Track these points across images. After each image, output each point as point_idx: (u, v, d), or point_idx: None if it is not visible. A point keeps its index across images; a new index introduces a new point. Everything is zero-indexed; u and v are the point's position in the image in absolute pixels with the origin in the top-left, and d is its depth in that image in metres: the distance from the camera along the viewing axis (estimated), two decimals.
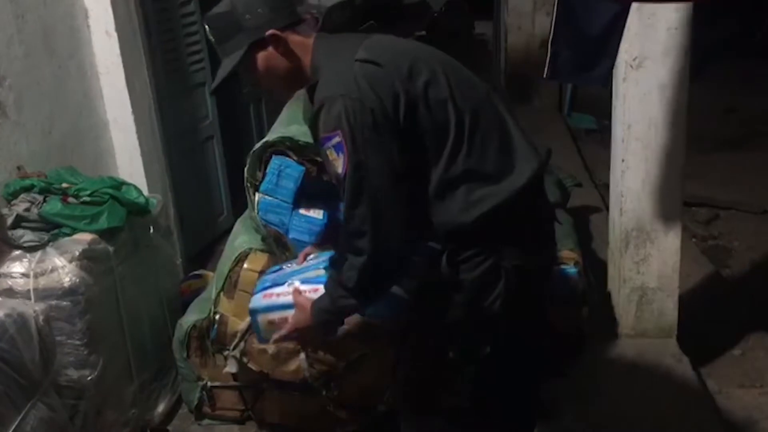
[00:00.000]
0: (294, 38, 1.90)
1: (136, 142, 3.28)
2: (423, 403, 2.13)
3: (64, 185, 2.56)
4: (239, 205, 4.66)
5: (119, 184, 2.68)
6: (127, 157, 3.30)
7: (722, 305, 3.70)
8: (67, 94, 2.97)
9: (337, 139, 1.76)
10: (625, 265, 3.11)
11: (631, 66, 2.84)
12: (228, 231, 4.44)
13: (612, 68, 2.62)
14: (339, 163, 1.78)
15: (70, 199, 2.52)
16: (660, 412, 2.77)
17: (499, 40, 7.11)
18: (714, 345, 3.36)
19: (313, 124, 1.86)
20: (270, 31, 1.86)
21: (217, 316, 2.53)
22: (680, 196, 3.02)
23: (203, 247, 4.18)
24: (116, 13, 3.11)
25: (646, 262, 3.09)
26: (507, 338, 2.03)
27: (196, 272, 3.46)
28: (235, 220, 4.49)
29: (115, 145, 3.28)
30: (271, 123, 5.16)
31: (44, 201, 2.48)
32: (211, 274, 3.43)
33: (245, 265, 2.50)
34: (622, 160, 2.98)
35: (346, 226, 1.86)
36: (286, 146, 2.52)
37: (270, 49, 1.88)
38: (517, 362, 2.09)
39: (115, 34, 3.12)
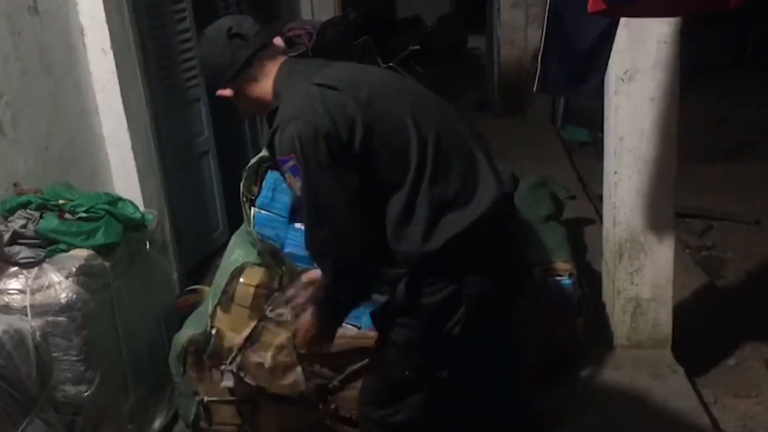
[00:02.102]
0: (258, 67, 1.93)
1: (132, 158, 3.30)
2: (378, 416, 2.11)
3: (61, 201, 2.57)
4: (234, 219, 4.67)
5: (115, 200, 2.70)
6: (123, 172, 3.31)
7: (716, 315, 3.72)
8: (63, 111, 2.99)
9: (291, 163, 1.79)
10: (620, 276, 3.13)
11: (622, 79, 2.87)
12: (224, 246, 4.48)
13: (603, 81, 2.65)
14: (296, 186, 1.83)
15: (67, 216, 2.53)
16: (655, 423, 2.79)
17: (492, 54, 7.16)
18: (709, 355, 3.38)
19: (269, 145, 1.90)
20: (232, 73, 1.93)
21: (213, 331, 2.54)
22: (672, 207, 3.05)
23: (199, 262, 4.19)
24: (111, 30, 3.13)
25: (640, 273, 3.11)
26: (466, 362, 2.06)
27: (192, 287, 3.47)
28: (231, 235, 4.57)
29: (111, 161, 3.29)
30: (265, 137, 5.20)
31: (41, 217, 2.49)
32: (207, 288, 3.43)
33: (241, 280, 2.51)
34: (615, 172, 3.01)
35: (308, 247, 1.93)
36: None
37: (237, 83, 1.96)
38: (477, 386, 2.14)
39: (110, 51, 3.14)
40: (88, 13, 3.09)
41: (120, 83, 3.19)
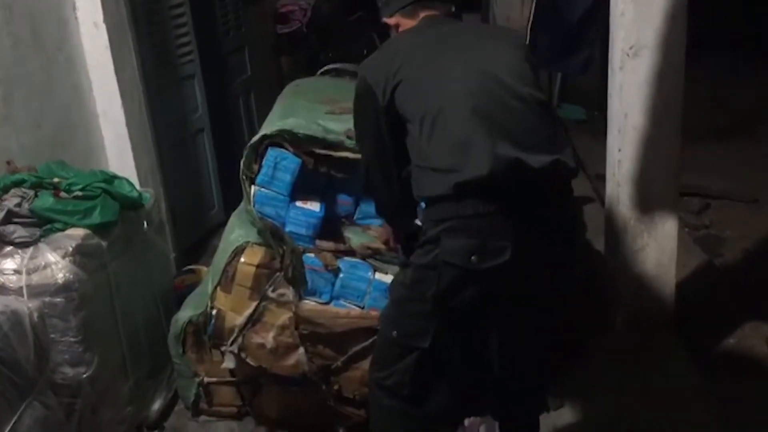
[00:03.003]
0: (402, 21, 2.26)
1: (127, 136, 3.23)
2: (375, 378, 2.15)
3: (56, 180, 2.52)
4: (230, 198, 4.61)
5: (111, 178, 2.64)
6: (118, 150, 3.25)
7: (716, 294, 3.69)
8: (56, 87, 2.92)
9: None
10: (625, 255, 3.09)
11: (628, 55, 2.82)
12: (220, 225, 4.45)
13: (591, 58, 2.60)
14: None
15: (62, 194, 2.47)
16: (660, 401, 2.77)
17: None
18: (709, 334, 3.36)
19: None
20: (383, 19, 2.32)
21: (213, 312, 2.50)
22: (677, 185, 3.01)
23: (195, 242, 4.13)
24: (104, 3, 3.06)
25: (643, 252, 3.07)
26: (448, 338, 2.04)
27: (190, 267, 3.41)
28: (227, 214, 4.51)
29: (105, 139, 3.23)
30: (260, 114, 5.13)
31: (35, 196, 2.43)
32: (204, 269, 3.38)
33: (242, 259, 2.46)
34: (619, 150, 2.96)
35: None
36: (284, 139, 2.48)
37: (389, 29, 2.33)
38: (461, 364, 2.10)
39: (103, 26, 3.07)
40: None
41: (113, 59, 3.13)
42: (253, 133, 5.03)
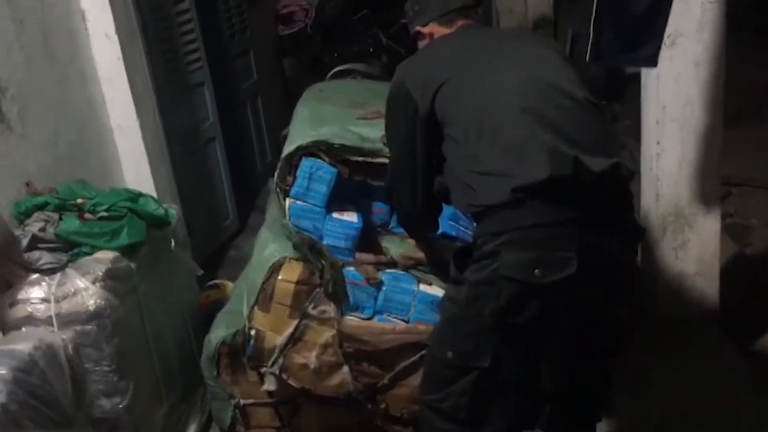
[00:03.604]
0: (437, 30, 2.19)
1: (143, 149, 3.11)
2: (428, 400, 2.03)
3: (79, 200, 2.39)
4: (244, 208, 4.52)
5: (136, 197, 2.52)
6: (134, 164, 3.13)
7: (753, 285, 3.60)
8: (70, 102, 2.79)
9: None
10: (664, 252, 2.99)
11: (665, 44, 2.70)
12: (234, 235, 4.34)
13: (660, 47, 2.48)
14: None
15: (87, 216, 2.35)
16: (712, 402, 2.67)
17: (490, 23, 6.95)
18: (752, 327, 3.26)
19: None
20: (416, 27, 2.24)
21: (252, 332, 2.37)
22: (718, 177, 2.92)
23: (211, 254, 4.01)
24: (115, 13, 2.93)
25: (685, 248, 2.98)
26: (509, 358, 1.91)
27: (214, 282, 3.30)
28: (241, 224, 4.41)
29: (121, 153, 3.10)
30: (268, 120, 5.01)
31: (60, 219, 2.31)
32: (229, 283, 3.27)
33: (280, 276, 2.34)
34: (657, 143, 2.86)
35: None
36: (319, 149, 2.36)
37: (421, 38, 2.25)
38: (521, 381, 1.98)
39: (115, 36, 2.94)
40: None
41: (126, 70, 3.00)
42: (263, 139, 4.96)
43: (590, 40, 2.31)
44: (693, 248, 2.97)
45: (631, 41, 2.34)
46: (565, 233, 1.76)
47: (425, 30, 2.23)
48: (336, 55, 5.22)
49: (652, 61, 2.39)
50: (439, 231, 2.48)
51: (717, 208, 2.92)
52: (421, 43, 2.26)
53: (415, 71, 2.09)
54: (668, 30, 2.68)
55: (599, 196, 1.80)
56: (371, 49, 5.24)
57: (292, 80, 5.64)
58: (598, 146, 1.85)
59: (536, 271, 1.74)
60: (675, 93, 2.78)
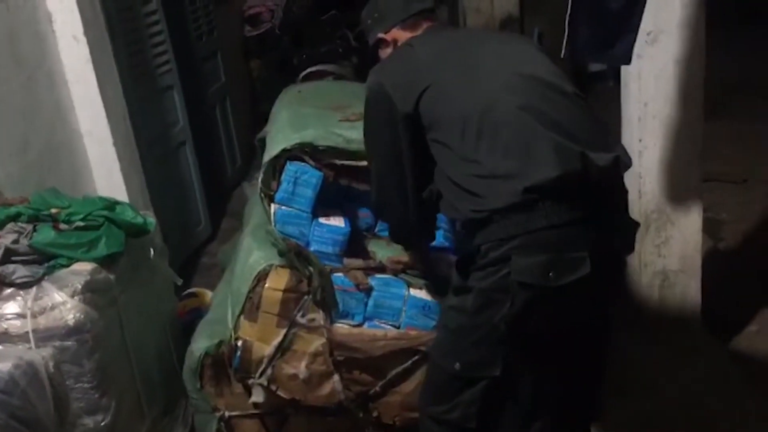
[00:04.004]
0: (401, 35, 2.12)
1: (114, 155, 3.01)
2: (434, 412, 1.97)
3: (53, 210, 2.28)
4: (215, 213, 4.42)
5: (112, 205, 2.41)
6: (105, 171, 3.03)
7: (728, 281, 3.63)
8: (38, 107, 2.69)
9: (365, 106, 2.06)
10: (646, 249, 2.99)
11: (646, 41, 2.71)
12: (206, 242, 4.25)
13: (634, 45, 2.47)
14: None
15: (62, 226, 2.25)
16: (697, 400, 2.68)
17: (456, 23, 6.94)
18: (730, 323, 3.28)
19: None
20: (378, 35, 2.15)
21: (239, 343, 2.30)
22: (700, 174, 2.92)
23: (184, 261, 3.91)
24: (83, 15, 2.83)
25: (667, 245, 2.98)
26: (520, 366, 1.88)
27: (190, 290, 3.21)
28: (213, 229, 4.32)
29: (92, 159, 3.00)
30: (237, 123, 4.93)
31: (34, 230, 2.20)
32: (206, 291, 3.19)
33: (267, 284, 2.27)
34: (640, 140, 2.85)
35: None
36: (304, 152, 2.30)
37: (383, 46, 2.16)
38: (531, 388, 1.94)
39: (83, 39, 2.84)
40: None
41: (96, 73, 2.90)
42: (232, 142, 4.87)
43: (565, 37, 2.28)
44: (675, 245, 2.97)
45: (607, 39, 2.32)
46: (577, 233, 1.72)
47: (388, 36, 2.15)
48: (304, 56, 5.15)
49: (626, 59, 2.38)
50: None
51: (699, 205, 2.93)
52: (384, 51, 2.17)
53: (393, 75, 1.99)
54: (649, 28, 2.69)
55: (602, 192, 1.77)
56: (340, 50, 5.18)
57: (259, 82, 5.56)
58: (597, 141, 1.82)
59: (551, 274, 1.69)
60: (656, 90, 2.77)
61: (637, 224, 1.94)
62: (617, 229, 1.82)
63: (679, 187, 2.89)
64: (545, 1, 6.42)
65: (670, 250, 2.98)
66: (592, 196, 1.74)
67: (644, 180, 2.90)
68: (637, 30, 2.35)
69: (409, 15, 2.12)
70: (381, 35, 2.16)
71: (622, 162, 1.82)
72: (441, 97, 1.89)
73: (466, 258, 1.83)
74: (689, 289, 3.04)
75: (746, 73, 6.36)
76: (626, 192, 1.93)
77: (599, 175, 1.74)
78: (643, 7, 2.40)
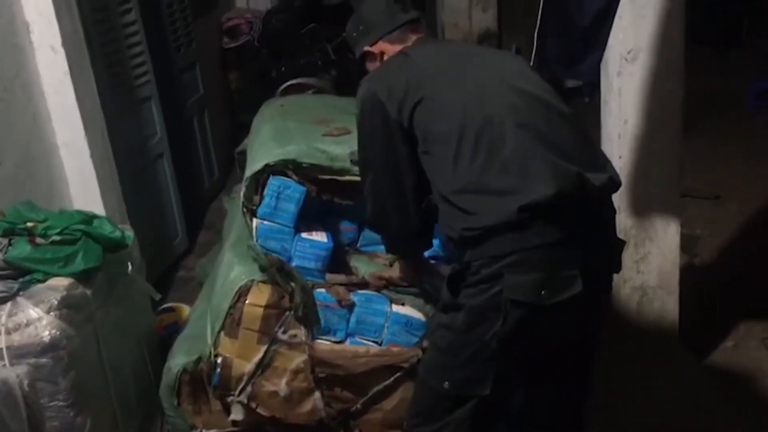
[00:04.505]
0: (388, 47, 2.10)
1: (92, 167, 2.96)
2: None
3: (29, 224, 2.24)
4: (193, 226, 4.37)
5: (89, 219, 2.38)
6: (82, 184, 2.98)
7: (704, 296, 3.67)
8: (14, 119, 2.64)
9: (357, 119, 2.00)
10: (625, 265, 2.96)
11: (626, 59, 2.73)
12: (184, 255, 4.20)
13: (600, 60, 2.49)
14: None
15: (39, 240, 2.20)
16: (676, 416, 2.69)
17: (435, 38, 6.98)
18: (706, 338, 3.31)
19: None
20: (365, 48, 2.14)
21: (218, 359, 2.26)
22: (678, 190, 2.95)
23: (160, 275, 3.86)
24: (62, 26, 2.79)
25: (646, 261, 3.00)
26: (510, 383, 1.87)
27: (167, 305, 3.16)
28: (190, 242, 4.27)
29: (68, 172, 2.95)
30: (215, 135, 4.89)
31: (9, 244, 2.16)
32: (184, 306, 3.15)
33: (248, 300, 2.24)
34: (620, 157, 2.87)
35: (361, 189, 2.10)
36: (287, 167, 2.28)
37: (370, 58, 2.14)
38: (522, 406, 1.94)
39: (61, 50, 2.80)
40: (34, 6, 2.73)
41: (74, 84, 2.86)
42: (210, 155, 4.83)
43: (534, 51, 2.30)
44: (654, 261, 2.99)
45: (574, 54, 2.34)
46: (570, 251, 1.72)
47: (374, 49, 2.13)
48: (283, 68, 5.14)
49: (592, 74, 2.40)
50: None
51: (677, 221, 2.95)
52: (372, 64, 2.15)
53: (387, 85, 1.94)
54: (630, 46, 2.72)
55: (594, 211, 1.78)
56: (320, 63, 5.17)
57: (238, 94, 5.53)
58: (591, 160, 1.82)
59: (543, 292, 1.69)
60: (636, 107, 2.80)
61: (623, 243, 1.95)
62: (607, 248, 1.83)
63: (658, 204, 2.91)
64: (523, 18, 6.50)
65: (648, 265, 3.00)
66: (585, 215, 1.75)
67: (624, 196, 2.91)
68: (604, 47, 2.37)
69: (395, 27, 2.11)
70: (367, 48, 2.14)
71: (615, 182, 1.83)
72: (436, 110, 1.86)
73: (456, 274, 1.81)
74: (667, 305, 3.06)
75: (718, 90, 6.45)
76: (615, 211, 1.93)
77: (594, 194, 1.75)
78: (611, 25, 2.42)
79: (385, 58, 2.10)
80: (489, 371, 1.79)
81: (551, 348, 1.82)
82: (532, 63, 2.44)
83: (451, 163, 1.80)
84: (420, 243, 2.19)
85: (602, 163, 1.85)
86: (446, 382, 1.83)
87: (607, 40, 2.37)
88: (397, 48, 2.08)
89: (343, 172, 2.30)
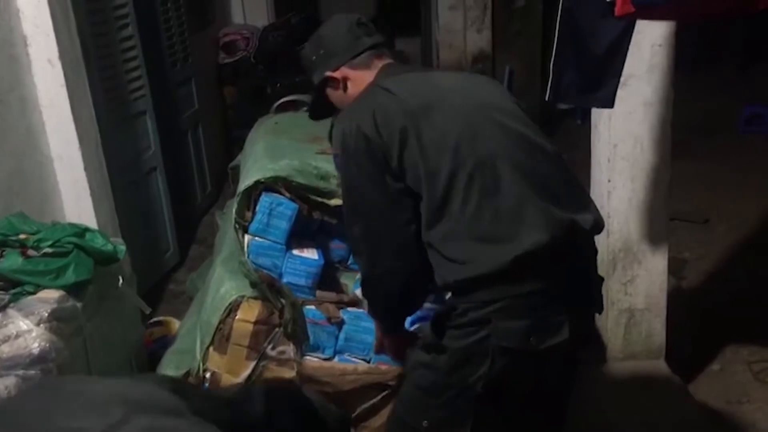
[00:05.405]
0: (353, 74, 1.93)
1: (85, 180, 2.97)
2: None
3: (21, 236, 2.25)
4: (184, 240, 4.39)
5: (82, 231, 2.39)
6: (75, 196, 2.98)
7: (691, 320, 3.69)
8: (9, 131, 2.65)
9: (339, 159, 1.84)
10: (613, 287, 3.03)
11: None
12: (174, 268, 4.21)
13: (617, 88, 2.51)
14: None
15: (30, 252, 2.22)
16: None
17: (429, 58, 7.04)
18: (693, 362, 3.33)
19: (330, 138, 1.98)
20: (326, 73, 1.95)
21: (207, 374, 2.27)
22: (666, 214, 2.98)
23: (151, 288, 3.87)
24: (59, 39, 2.81)
25: (633, 284, 3.03)
26: (488, 423, 1.83)
27: (157, 319, 3.17)
28: (182, 256, 4.28)
29: (61, 184, 2.96)
30: (208, 150, 4.91)
31: (1, 256, 2.17)
32: (173, 320, 3.16)
33: (238, 316, 2.25)
34: (609, 181, 2.91)
35: (347, 242, 1.99)
36: (279, 184, 2.30)
37: (332, 85, 1.97)
38: None
39: (58, 63, 2.82)
40: (32, 20, 2.76)
41: (69, 97, 2.87)
42: (203, 169, 4.85)
43: (550, 81, 2.32)
44: (641, 284, 3.02)
45: (591, 82, 2.37)
46: (557, 296, 1.68)
47: (336, 75, 1.94)
48: (279, 85, 5.17)
49: (610, 102, 2.43)
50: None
51: (665, 244, 2.98)
52: (334, 92, 1.98)
53: (369, 119, 1.75)
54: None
55: (581, 254, 1.77)
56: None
57: (233, 109, 5.56)
58: (578, 203, 1.79)
59: (531, 338, 1.65)
60: (626, 132, 2.84)
61: (602, 279, 1.91)
62: (591, 288, 1.82)
63: (646, 227, 2.95)
64: (516, 40, 6.57)
65: (636, 288, 3.03)
66: (572, 258, 1.73)
67: (612, 219, 2.95)
68: (620, 75, 2.40)
69: (359, 52, 1.93)
70: (329, 74, 1.95)
71: (599, 225, 1.79)
72: (425, 148, 1.72)
73: (441, 314, 1.76)
74: (654, 328, 3.08)
75: (706, 114, 6.53)
76: (596, 251, 1.89)
77: (583, 237, 1.74)
78: (626, 52, 2.45)
79: (348, 84, 1.94)
80: (469, 412, 1.75)
81: (535, 388, 1.82)
82: (548, 93, 2.41)
83: (437, 206, 1.71)
84: (419, 295, 1.99)
85: (585, 202, 1.82)
86: (425, 421, 1.78)
87: (622, 68, 2.40)
88: (361, 74, 1.92)
89: (331, 194, 2.32)
